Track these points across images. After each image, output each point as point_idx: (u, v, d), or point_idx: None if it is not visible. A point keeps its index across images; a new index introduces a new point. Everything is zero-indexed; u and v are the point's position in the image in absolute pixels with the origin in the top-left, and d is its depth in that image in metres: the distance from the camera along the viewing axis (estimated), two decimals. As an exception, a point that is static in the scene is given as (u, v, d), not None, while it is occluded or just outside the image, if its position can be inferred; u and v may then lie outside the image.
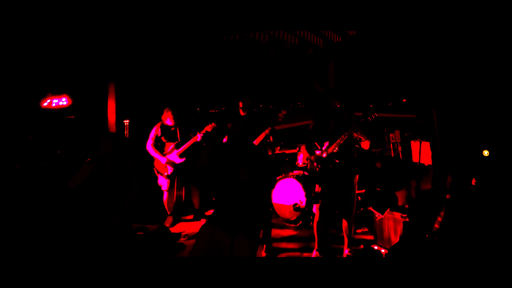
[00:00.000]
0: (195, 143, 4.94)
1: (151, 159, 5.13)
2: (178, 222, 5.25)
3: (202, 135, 4.84)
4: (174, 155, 5.01)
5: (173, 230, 4.92)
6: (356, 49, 6.32)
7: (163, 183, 5.08)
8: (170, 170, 5.01)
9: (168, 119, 5.00)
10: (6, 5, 3.81)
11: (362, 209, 4.88)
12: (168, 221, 5.16)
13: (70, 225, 3.52)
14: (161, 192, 5.20)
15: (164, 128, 5.05)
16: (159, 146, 5.04)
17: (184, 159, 5.02)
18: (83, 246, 3.19)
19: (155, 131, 5.04)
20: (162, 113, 5.07)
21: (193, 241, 4.61)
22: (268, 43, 5.48)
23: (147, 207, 5.57)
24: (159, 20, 4.07)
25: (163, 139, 5.04)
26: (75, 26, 4.18)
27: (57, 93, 6.11)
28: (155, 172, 5.12)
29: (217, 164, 2.66)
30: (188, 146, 4.95)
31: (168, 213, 5.22)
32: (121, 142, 3.45)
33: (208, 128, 4.81)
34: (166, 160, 4.99)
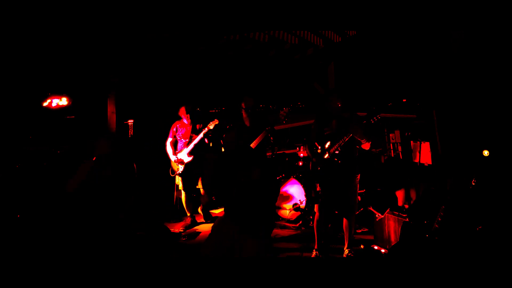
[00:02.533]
0: (203, 143, 4.97)
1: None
2: (196, 225, 5.21)
3: (205, 131, 4.85)
4: (184, 154, 5.02)
5: (173, 230, 4.92)
6: (356, 49, 6.32)
7: (180, 182, 5.11)
8: (181, 168, 5.03)
9: (183, 117, 5.08)
10: (6, 5, 3.81)
11: (362, 209, 4.88)
12: (186, 222, 5.16)
13: (70, 225, 3.52)
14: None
15: (181, 125, 5.10)
16: (175, 144, 5.11)
17: (192, 157, 5.00)
18: (83, 246, 3.19)
19: (173, 128, 5.10)
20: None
21: (193, 241, 4.66)
22: (268, 43, 5.48)
23: (148, 207, 5.57)
24: (159, 20, 4.07)
25: (177, 137, 5.09)
26: (76, 26, 4.18)
27: (57, 93, 6.11)
28: (170, 172, 5.17)
29: (222, 168, 2.68)
30: (195, 144, 4.94)
31: (188, 214, 5.20)
32: (122, 143, 3.45)
33: (211, 125, 4.84)
34: (176, 158, 5.03)
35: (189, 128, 5.06)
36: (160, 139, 5.44)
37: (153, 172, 5.97)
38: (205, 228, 5.11)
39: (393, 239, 3.87)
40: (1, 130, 6.18)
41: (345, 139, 3.60)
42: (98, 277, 2.71)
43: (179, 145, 5.07)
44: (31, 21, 4.00)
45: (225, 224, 2.59)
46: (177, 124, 5.13)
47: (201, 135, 4.88)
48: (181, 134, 5.06)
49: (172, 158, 5.06)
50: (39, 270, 2.84)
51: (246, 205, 2.53)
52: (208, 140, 4.97)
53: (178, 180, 5.15)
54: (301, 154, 5.71)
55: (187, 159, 5.01)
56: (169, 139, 5.13)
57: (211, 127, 4.83)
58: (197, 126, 5.01)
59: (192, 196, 5.22)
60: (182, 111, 5.06)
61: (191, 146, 4.95)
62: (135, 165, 3.71)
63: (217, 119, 4.80)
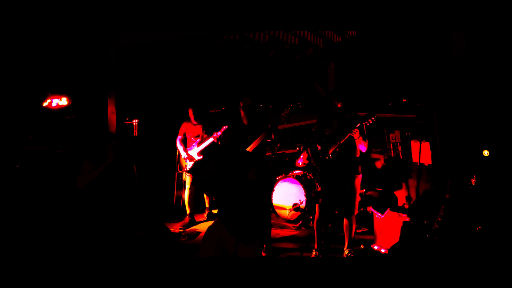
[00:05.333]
0: (214, 143, 5.04)
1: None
2: (194, 225, 5.24)
3: (218, 136, 4.90)
4: (194, 152, 5.13)
5: (173, 230, 4.93)
6: (356, 49, 6.32)
7: (186, 179, 5.21)
8: (189, 165, 5.14)
9: (191, 118, 5.20)
10: (6, 5, 3.81)
11: (362, 209, 4.88)
12: (185, 221, 5.19)
13: (69, 225, 3.52)
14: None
15: (190, 125, 5.24)
16: (184, 141, 5.26)
17: (202, 156, 5.10)
18: (83, 246, 3.19)
19: (183, 127, 5.27)
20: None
21: (193, 241, 4.66)
22: (268, 43, 5.47)
23: (148, 207, 5.57)
24: (159, 20, 4.07)
25: (187, 135, 5.24)
26: (75, 26, 4.18)
27: (57, 93, 6.12)
28: (178, 168, 5.29)
29: (222, 167, 2.65)
30: (207, 145, 5.04)
31: (188, 211, 5.26)
32: (126, 143, 3.48)
33: (224, 129, 4.89)
34: (186, 155, 5.14)
35: (199, 127, 5.17)
36: (159, 138, 5.48)
37: (154, 172, 5.98)
38: (205, 227, 5.11)
39: (393, 239, 3.87)
40: (1, 130, 6.18)
41: (342, 140, 3.63)
42: (98, 277, 2.71)
43: (189, 143, 5.23)
44: (31, 21, 4.00)
45: (218, 231, 2.56)
46: (186, 124, 5.28)
47: (211, 138, 4.95)
48: (191, 133, 5.22)
49: (183, 154, 5.17)
50: (39, 270, 2.84)
51: (242, 207, 2.51)
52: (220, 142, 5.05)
53: (186, 177, 5.24)
54: (301, 162, 5.70)
55: (197, 157, 5.12)
56: (179, 137, 5.27)
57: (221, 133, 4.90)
58: (210, 126, 5.11)
59: (194, 195, 5.28)
60: (190, 113, 5.19)
61: (203, 146, 5.06)
62: (135, 166, 3.72)
63: (227, 125, 4.84)
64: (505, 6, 3.17)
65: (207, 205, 5.47)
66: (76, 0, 3.85)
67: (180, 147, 5.22)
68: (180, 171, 5.28)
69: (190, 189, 5.18)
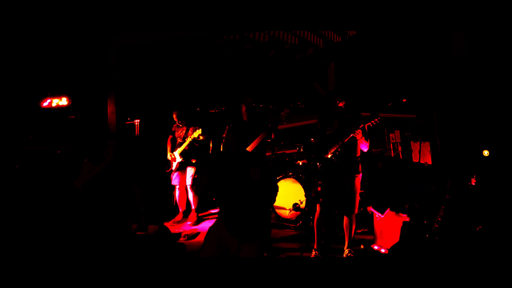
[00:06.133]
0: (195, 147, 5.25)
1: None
2: (184, 222, 5.40)
3: (189, 141, 5.14)
4: (177, 154, 5.32)
5: (173, 230, 4.93)
6: (356, 49, 6.31)
7: (174, 178, 5.39)
8: (174, 165, 5.35)
9: (175, 119, 5.41)
10: (6, 5, 3.82)
11: (362, 209, 4.88)
12: (178, 217, 5.38)
13: (69, 224, 3.53)
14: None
15: (178, 126, 5.43)
16: (173, 141, 5.46)
17: (182, 159, 5.29)
18: (83, 246, 3.20)
19: (173, 128, 5.48)
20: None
21: (193, 241, 4.66)
22: (268, 43, 5.47)
23: (147, 207, 5.58)
24: (159, 20, 4.07)
25: (176, 136, 5.43)
26: (75, 27, 4.19)
27: (57, 93, 6.13)
28: (166, 168, 5.49)
29: (220, 166, 2.64)
30: (184, 148, 5.23)
31: (181, 210, 5.44)
32: (127, 143, 3.49)
33: (195, 133, 5.08)
34: (171, 156, 5.36)
35: (184, 129, 5.34)
36: (160, 138, 5.55)
37: (154, 172, 5.99)
38: (205, 227, 5.12)
39: (393, 239, 3.87)
40: (1, 130, 6.18)
41: (344, 140, 3.63)
42: (98, 277, 2.71)
43: (178, 144, 5.38)
44: (31, 21, 4.00)
45: (220, 226, 2.55)
46: (175, 125, 5.47)
47: (185, 143, 5.18)
48: (178, 134, 5.40)
49: (168, 154, 5.41)
50: (39, 269, 2.84)
51: (242, 207, 2.50)
52: (198, 144, 5.25)
53: (173, 176, 5.41)
54: (301, 163, 5.70)
55: (178, 159, 5.32)
56: (170, 137, 5.47)
57: (195, 135, 5.08)
58: (191, 129, 5.26)
59: (185, 193, 5.45)
60: (174, 116, 5.41)
61: (181, 148, 5.25)
62: (135, 165, 3.74)
63: (200, 128, 5.08)
64: (505, 6, 3.17)
65: (193, 207, 5.44)
66: (76, 0, 3.85)
67: (168, 147, 5.44)
68: (167, 171, 5.44)
69: (179, 188, 5.36)
